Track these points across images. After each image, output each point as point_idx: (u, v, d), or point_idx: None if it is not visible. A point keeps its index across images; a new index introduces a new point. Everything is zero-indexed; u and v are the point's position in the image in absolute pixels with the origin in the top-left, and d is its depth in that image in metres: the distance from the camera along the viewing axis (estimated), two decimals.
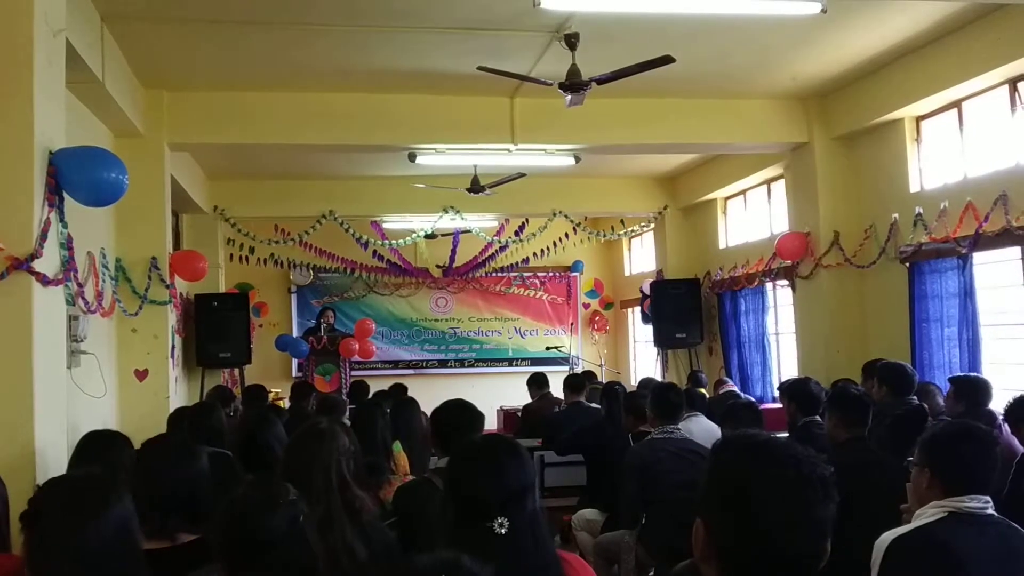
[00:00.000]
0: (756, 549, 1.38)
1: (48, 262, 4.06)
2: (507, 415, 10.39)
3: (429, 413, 8.39)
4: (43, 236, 3.99)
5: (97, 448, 3.58)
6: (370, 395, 8.01)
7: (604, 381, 8.78)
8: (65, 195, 4.26)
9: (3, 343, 3.89)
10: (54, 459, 4.03)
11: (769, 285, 10.22)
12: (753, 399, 7.97)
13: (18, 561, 2.42)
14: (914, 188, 7.90)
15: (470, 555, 1.59)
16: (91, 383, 5.88)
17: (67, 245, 4.32)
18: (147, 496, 2.63)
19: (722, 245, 11.55)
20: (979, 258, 7.12)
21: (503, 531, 2.18)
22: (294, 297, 14.15)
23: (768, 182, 10.51)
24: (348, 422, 4.59)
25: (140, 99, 7.40)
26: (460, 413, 3.83)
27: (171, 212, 8.19)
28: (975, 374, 6.30)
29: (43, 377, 4.00)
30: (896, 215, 7.91)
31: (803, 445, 1.51)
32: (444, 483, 2.43)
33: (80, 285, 5.77)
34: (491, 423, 10.01)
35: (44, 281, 4.00)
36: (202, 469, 2.97)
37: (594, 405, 7.59)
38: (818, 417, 5.02)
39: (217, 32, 6.48)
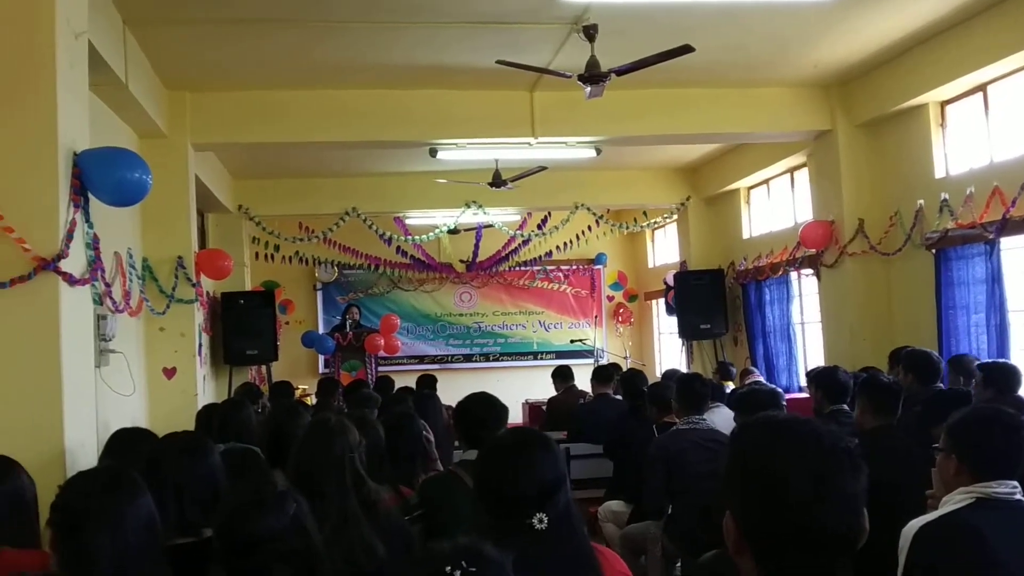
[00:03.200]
0: (785, 528, 1.34)
1: (74, 262, 4.11)
2: (532, 408, 10.41)
3: (450, 407, 8.46)
4: (69, 236, 4.03)
5: (124, 445, 3.63)
6: (395, 390, 8.03)
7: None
8: (90, 196, 4.31)
9: (32, 343, 3.95)
10: (84, 456, 4.07)
11: (794, 274, 10.15)
12: (779, 389, 7.93)
13: (47, 557, 2.46)
14: (939, 174, 7.81)
15: (511, 551, 1.60)
16: (120, 381, 5.96)
17: (93, 245, 4.37)
18: (162, 491, 2.66)
19: (746, 235, 11.48)
20: (1006, 243, 7.03)
21: (543, 526, 2.18)
22: (319, 294, 14.22)
23: (791, 171, 10.42)
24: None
25: (163, 100, 7.47)
26: (484, 406, 3.83)
27: (196, 212, 8.27)
28: (1004, 360, 6.22)
29: (72, 376, 4.05)
30: (922, 201, 7.82)
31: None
32: (476, 480, 2.43)
33: (108, 285, 5.84)
34: (516, 417, 10.02)
35: (71, 281, 4.04)
36: (215, 464, 2.97)
37: (620, 397, 7.59)
38: (846, 406, 4.98)
39: (237, 32, 6.52)
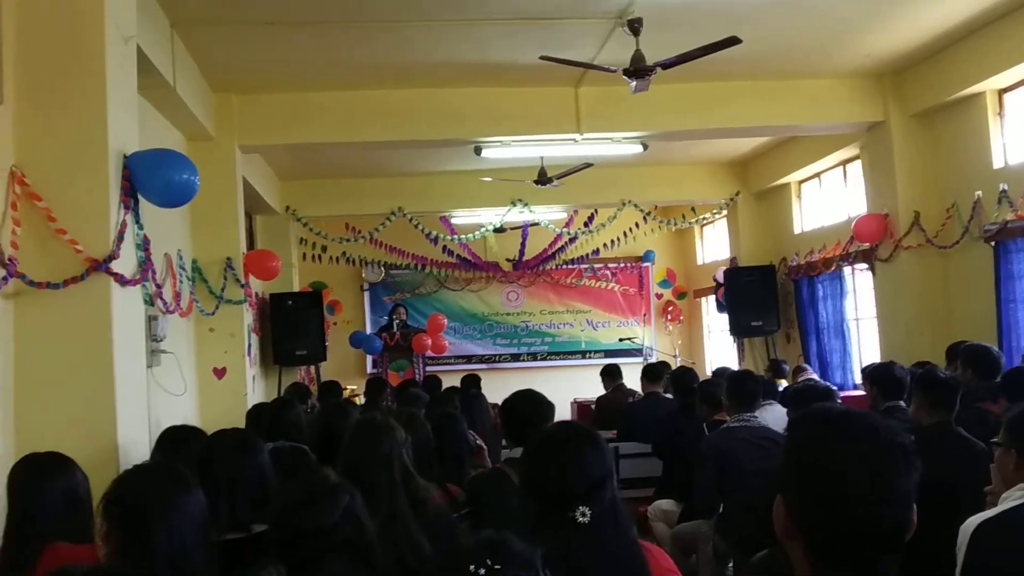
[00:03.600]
0: (839, 521, 1.35)
1: (125, 263, 4.17)
2: (581, 407, 10.35)
3: (498, 405, 8.43)
4: (120, 238, 4.09)
5: (174, 442, 3.68)
6: (442, 390, 8.04)
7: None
8: (140, 198, 4.37)
9: (85, 342, 4.01)
10: (136, 454, 4.12)
11: (847, 269, 9.97)
12: (833, 386, 7.78)
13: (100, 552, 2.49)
14: (998, 164, 7.60)
15: (553, 545, 1.58)
16: (171, 381, 6.04)
17: (143, 246, 4.43)
18: (213, 487, 2.67)
19: (797, 230, 11.29)
20: None
21: (585, 520, 2.16)
22: (367, 294, 14.30)
23: (843, 163, 10.23)
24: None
25: (210, 103, 7.57)
26: (531, 404, 3.81)
27: (244, 213, 8.36)
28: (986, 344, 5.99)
29: (123, 375, 4.11)
30: (979, 193, 7.61)
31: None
32: (521, 474, 2.42)
33: (158, 286, 5.93)
34: (565, 415, 9.97)
35: (122, 281, 4.10)
36: (263, 460, 2.99)
37: (670, 395, 7.51)
38: (902, 402, 4.85)
39: (283, 34, 6.57)
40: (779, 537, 1.45)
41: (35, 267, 3.90)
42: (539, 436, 2.49)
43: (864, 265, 9.38)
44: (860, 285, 9.99)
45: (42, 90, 4.09)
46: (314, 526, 2.02)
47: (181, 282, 6.81)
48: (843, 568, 1.37)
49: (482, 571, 1.47)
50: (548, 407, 3.81)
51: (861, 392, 7.91)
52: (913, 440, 1.38)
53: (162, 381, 5.80)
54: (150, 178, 4.28)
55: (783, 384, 8.36)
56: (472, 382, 8.28)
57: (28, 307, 3.96)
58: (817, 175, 10.90)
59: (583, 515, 2.19)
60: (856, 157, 9.75)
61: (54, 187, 4.00)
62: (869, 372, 5.76)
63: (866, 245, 9.00)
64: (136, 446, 4.18)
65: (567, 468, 2.25)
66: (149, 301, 5.41)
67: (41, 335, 3.97)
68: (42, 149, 4.04)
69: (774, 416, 5.95)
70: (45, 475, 2.93)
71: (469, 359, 14.25)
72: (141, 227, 4.39)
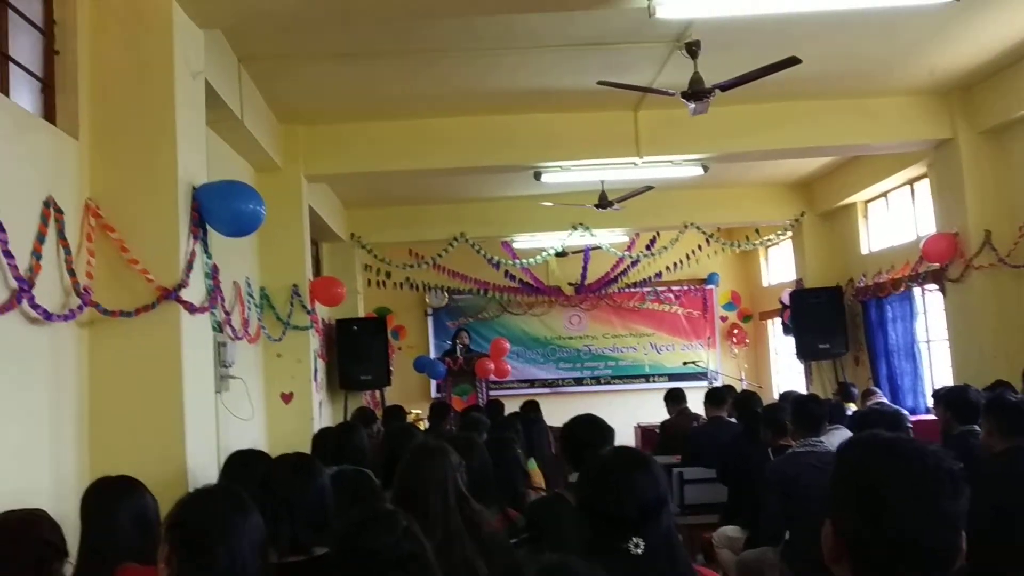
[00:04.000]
0: (886, 545, 1.37)
1: (195, 291, 4.30)
2: (645, 432, 10.26)
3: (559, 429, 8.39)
4: (189, 267, 4.23)
5: (240, 466, 3.75)
6: (504, 414, 8.06)
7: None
8: (208, 228, 4.51)
9: (155, 369, 4.15)
10: (204, 479, 4.23)
11: (917, 290, 9.73)
12: (903, 410, 7.59)
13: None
14: None
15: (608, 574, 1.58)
16: (240, 406, 6.17)
17: (212, 275, 4.56)
18: (274, 511, 2.72)
19: (864, 250, 11.07)
20: None
21: (639, 551, 2.14)
22: (430, 319, 14.42)
23: (911, 182, 10.02)
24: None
25: (277, 134, 7.76)
26: (590, 428, 3.80)
27: (310, 241, 8.53)
28: None
29: (193, 401, 4.23)
30: None
31: (955, 455, 1.46)
32: (576, 499, 2.41)
33: (227, 313, 6.08)
34: (628, 440, 9.89)
35: (191, 309, 4.23)
36: (324, 484, 3.03)
37: (735, 420, 7.40)
38: (976, 427, 4.72)
39: (346, 66, 6.73)
40: (827, 560, 1.46)
41: (108, 296, 4.05)
42: (594, 460, 2.48)
43: (934, 285, 9.15)
44: (931, 306, 9.74)
45: (114, 125, 4.27)
46: (375, 547, 2.05)
47: (249, 309, 6.97)
48: None
49: None
50: (607, 431, 3.79)
51: (932, 416, 7.70)
52: (960, 467, 1.39)
53: (231, 406, 5.93)
54: (218, 208, 4.41)
55: (852, 408, 8.18)
56: (531, 408, 8.28)
57: (101, 335, 4.11)
58: (884, 194, 10.69)
59: (636, 547, 2.17)
60: (924, 175, 9.54)
61: (126, 219, 4.16)
62: (942, 396, 5.62)
63: (936, 265, 8.79)
64: (204, 470, 4.29)
65: (620, 492, 2.24)
66: (218, 328, 5.55)
67: (114, 362, 4.12)
68: (115, 182, 4.21)
69: (841, 440, 5.82)
70: (115, 498, 3.00)
71: (532, 383, 14.24)
72: (210, 256, 4.53)
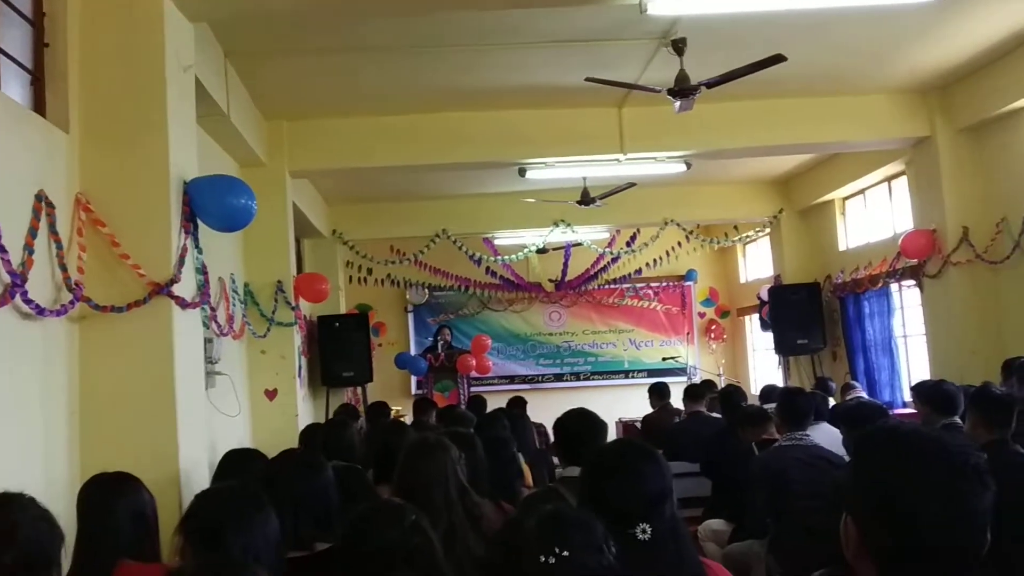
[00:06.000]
0: (913, 544, 1.33)
1: (186, 287, 4.28)
2: (626, 427, 10.31)
3: (544, 426, 8.44)
4: (180, 262, 4.21)
5: (237, 464, 3.75)
6: (487, 410, 8.08)
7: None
8: (198, 223, 4.49)
9: (147, 364, 4.12)
10: (196, 475, 4.22)
11: (894, 286, 9.86)
12: (882, 405, 7.68)
13: (166, 572, 2.55)
14: None
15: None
16: (226, 403, 6.15)
17: (202, 270, 4.54)
18: (279, 506, 2.73)
19: (842, 247, 11.20)
20: None
21: (645, 537, 2.17)
22: (411, 316, 14.40)
23: (889, 179, 10.14)
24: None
25: (262, 129, 7.72)
26: (584, 422, 3.82)
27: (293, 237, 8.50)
28: None
29: (185, 396, 4.21)
30: None
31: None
32: (581, 491, 2.44)
33: (213, 309, 6.05)
34: (611, 435, 9.94)
35: (183, 304, 4.21)
36: (328, 479, 3.05)
37: (715, 415, 7.47)
38: (958, 419, 4.79)
39: (331, 62, 6.71)
40: (849, 558, 1.42)
41: (100, 291, 4.02)
42: (598, 452, 2.51)
43: (911, 281, 9.28)
44: (908, 302, 9.87)
45: (105, 119, 4.23)
46: (383, 541, 2.06)
47: (234, 305, 6.94)
48: None
49: (552, 560, 1.48)
50: (601, 425, 3.82)
51: (911, 410, 7.81)
52: (985, 459, 1.35)
53: (217, 403, 5.90)
54: (210, 203, 4.39)
55: (831, 402, 8.27)
56: (516, 403, 8.31)
57: (93, 330, 4.08)
58: (862, 191, 10.81)
59: (643, 532, 2.20)
60: (901, 173, 9.67)
61: (117, 213, 4.13)
62: (920, 390, 5.69)
63: (913, 261, 8.91)
64: (197, 467, 4.27)
65: (626, 484, 2.27)
66: (205, 324, 5.53)
67: (105, 358, 4.09)
68: (106, 176, 4.17)
69: (824, 435, 5.89)
70: (113, 494, 2.98)
71: (512, 379, 14.26)
72: (200, 251, 4.51)
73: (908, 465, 1.35)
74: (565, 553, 1.51)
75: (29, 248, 3.57)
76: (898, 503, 1.33)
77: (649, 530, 2.20)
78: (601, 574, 1.57)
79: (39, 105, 4.06)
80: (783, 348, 11.27)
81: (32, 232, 3.62)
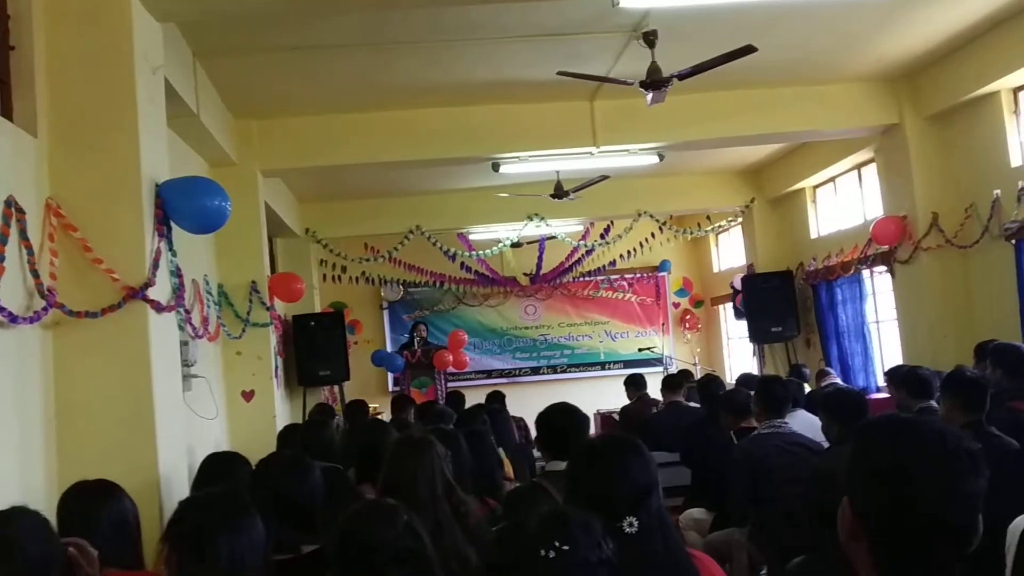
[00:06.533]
0: (906, 526, 1.39)
1: (161, 290, 4.23)
2: (604, 418, 10.35)
3: (522, 419, 8.45)
4: (155, 265, 4.16)
5: (218, 469, 3.71)
6: (465, 406, 8.08)
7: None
8: (172, 225, 4.44)
9: (124, 369, 4.07)
10: (176, 480, 4.18)
11: (866, 272, 9.96)
12: (857, 390, 7.76)
13: None
14: (1015, 162, 7.60)
15: None
16: (203, 406, 6.09)
17: (177, 273, 4.49)
18: (265, 509, 2.71)
19: (814, 235, 11.30)
20: None
21: (632, 530, 2.18)
22: (386, 313, 14.37)
23: (858, 167, 10.24)
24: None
25: (231, 129, 7.65)
26: (568, 416, 3.82)
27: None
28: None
29: (162, 401, 4.16)
30: (998, 191, 7.62)
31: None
32: (567, 484, 2.45)
33: (188, 311, 5.99)
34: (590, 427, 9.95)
35: (158, 308, 4.16)
36: (316, 481, 3.05)
37: (692, 404, 7.52)
38: (934, 403, 4.85)
39: (301, 59, 6.65)
40: (843, 539, 1.47)
41: (73, 297, 3.95)
42: (584, 446, 2.52)
43: (883, 267, 9.38)
44: (880, 288, 9.98)
45: (74, 122, 4.16)
46: (376, 542, 2.06)
47: (208, 307, 6.88)
48: (910, 571, 1.40)
49: (552, 554, 1.50)
50: (583, 419, 3.83)
51: (885, 395, 7.90)
52: (979, 446, 1.41)
53: (194, 406, 5.85)
54: (183, 205, 4.34)
55: (806, 389, 8.34)
56: (495, 398, 8.32)
57: (67, 336, 4.01)
58: (832, 179, 10.91)
59: (631, 525, 2.21)
60: (870, 160, 9.76)
61: (89, 217, 4.06)
62: (896, 375, 5.76)
63: (884, 248, 9.00)
64: (176, 471, 4.23)
65: (613, 477, 2.28)
66: (181, 326, 5.48)
67: (81, 364, 4.02)
68: (76, 180, 4.10)
69: (801, 422, 5.95)
70: (96, 502, 2.96)
71: (489, 374, 14.29)
72: (175, 254, 4.46)
73: (906, 446, 1.41)
74: (565, 547, 1.52)
75: (0, 255, 3.51)
76: (896, 483, 1.39)
77: (636, 523, 2.22)
78: (598, 567, 1.59)
79: (6, 109, 3.99)
80: (757, 336, 11.36)
81: (2, 239, 3.55)
